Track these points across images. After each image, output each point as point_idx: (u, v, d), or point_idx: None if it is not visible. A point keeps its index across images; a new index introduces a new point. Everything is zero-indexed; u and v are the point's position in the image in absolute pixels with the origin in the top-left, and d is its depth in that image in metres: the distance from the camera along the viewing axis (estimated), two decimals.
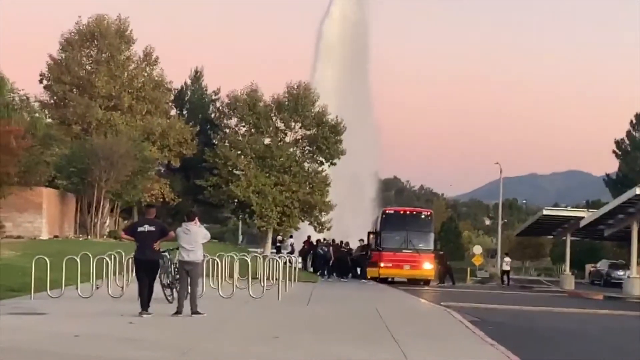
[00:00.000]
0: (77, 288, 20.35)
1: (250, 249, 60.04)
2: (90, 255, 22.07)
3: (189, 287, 16.58)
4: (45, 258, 20.54)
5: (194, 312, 16.48)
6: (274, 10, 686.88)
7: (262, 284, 22.42)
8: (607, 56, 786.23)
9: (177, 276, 17.61)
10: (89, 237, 46.62)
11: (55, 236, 45.13)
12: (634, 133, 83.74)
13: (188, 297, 16.82)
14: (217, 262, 22.44)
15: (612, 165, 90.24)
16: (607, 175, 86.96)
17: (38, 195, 43.50)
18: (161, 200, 61.09)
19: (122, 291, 20.56)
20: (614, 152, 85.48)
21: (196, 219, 17.02)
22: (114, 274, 22.29)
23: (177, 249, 17.22)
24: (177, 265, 17.32)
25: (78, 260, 20.55)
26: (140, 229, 16.70)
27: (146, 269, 16.61)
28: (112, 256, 22.46)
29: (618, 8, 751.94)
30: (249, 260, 22.38)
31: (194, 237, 16.71)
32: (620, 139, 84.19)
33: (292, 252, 44.98)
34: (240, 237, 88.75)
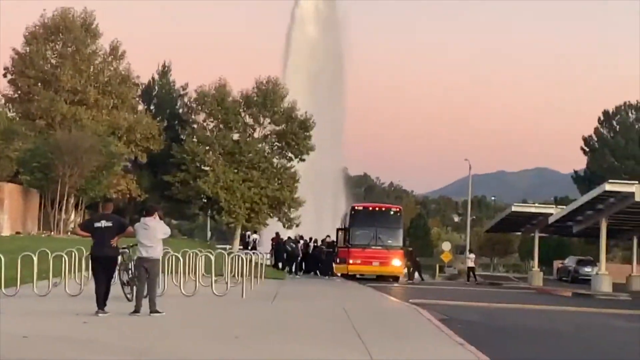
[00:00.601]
0: (33, 286, 19.72)
1: (218, 246, 59.47)
2: (49, 252, 21.41)
3: (148, 285, 15.99)
4: (0, 255, 19.87)
5: (153, 311, 15.87)
6: (244, 4, 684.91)
7: (226, 281, 21.85)
8: (575, 55, 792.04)
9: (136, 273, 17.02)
10: (53, 233, 45.81)
11: (18, 232, 44.30)
12: (601, 130, 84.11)
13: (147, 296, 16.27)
14: (180, 259, 21.82)
15: (580, 163, 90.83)
16: (575, 172, 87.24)
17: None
18: (128, 196, 60.34)
19: (81, 289, 19.86)
20: (582, 149, 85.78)
21: (156, 214, 16.41)
22: (74, 271, 21.67)
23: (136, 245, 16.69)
24: (135, 262, 16.71)
25: (35, 257, 19.89)
26: (97, 224, 16.07)
27: (103, 266, 15.97)
28: (72, 253, 21.84)
29: (584, 7, 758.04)
30: (212, 257, 21.82)
31: (153, 233, 16.08)
32: (588, 136, 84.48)
33: (254, 248, 44.49)
34: (209, 234, 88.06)
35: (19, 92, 58.69)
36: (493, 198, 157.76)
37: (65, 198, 46.92)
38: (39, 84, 57.77)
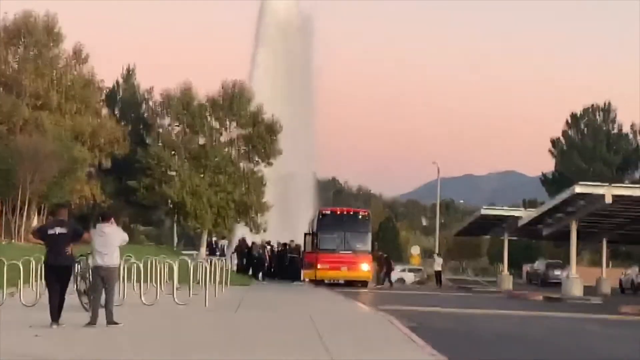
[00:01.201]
0: None
1: (184, 252, 58.66)
2: (4, 260, 20.58)
3: (105, 295, 15.24)
4: None
5: (110, 322, 15.13)
6: (210, 6, 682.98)
7: (189, 289, 21.13)
8: (541, 57, 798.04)
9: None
10: (14, 240, 44.77)
11: None
12: (569, 132, 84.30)
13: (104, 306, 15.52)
14: (139, 267, 21.02)
15: (547, 166, 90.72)
16: (544, 174, 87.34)
17: None
18: (92, 202, 59.34)
19: (37, 299, 19.05)
20: (550, 151, 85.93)
21: (112, 219, 15.67)
22: (30, 280, 20.86)
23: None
24: (91, 270, 15.91)
25: None
26: (50, 231, 15.29)
27: (58, 275, 15.18)
28: (30, 261, 21.05)
29: (553, 7, 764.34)
30: (173, 264, 21.11)
31: (110, 240, 15.32)
32: (556, 138, 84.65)
33: (222, 255, 43.83)
34: (176, 240, 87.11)
35: None
36: (461, 201, 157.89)
37: (27, 204, 45.87)
38: (0, 88, 56.68)
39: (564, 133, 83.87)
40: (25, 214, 45.63)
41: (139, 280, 21.38)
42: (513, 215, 51.63)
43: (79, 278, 17.51)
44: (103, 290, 15.23)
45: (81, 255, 17.41)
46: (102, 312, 15.39)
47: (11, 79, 56.01)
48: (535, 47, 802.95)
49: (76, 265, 17.22)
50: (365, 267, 44.91)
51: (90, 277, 16.21)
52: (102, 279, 15.28)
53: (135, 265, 20.90)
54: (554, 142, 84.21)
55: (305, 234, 48.03)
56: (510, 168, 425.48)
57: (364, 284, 45.10)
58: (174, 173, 58.12)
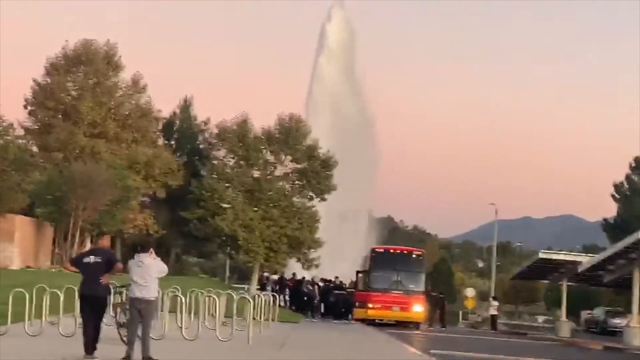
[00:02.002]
0: (25, 325, 18.32)
1: (235, 286, 58.03)
2: (47, 287, 20.02)
3: (142, 328, 14.50)
4: None
5: (145, 357, 14.38)
6: (268, 40, 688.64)
7: (232, 325, 20.31)
8: (604, 100, 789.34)
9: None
10: (65, 269, 44.47)
11: (28, 266, 43.06)
12: (633, 177, 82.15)
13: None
14: (181, 299, 20.26)
15: (607, 211, 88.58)
16: (605, 219, 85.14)
17: (10, 223, 41.58)
18: (145, 232, 59.12)
19: (75, 329, 18.38)
20: (612, 196, 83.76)
21: (151, 250, 14.96)
22: (74, 310, 20.23)
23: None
24: (128, 302, 15.17)
25: (26, 293, 18.52)
26: (85, 259, 14.64)
27: (92, 306, 14.48)
28: (75, 289, 20.42)
29: (616, 50, 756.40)
30: (216, 298, 20.34)
31: (148, 271, 14.58)
32: (619, 183, 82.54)
33: (274, 290, 43.05)
34: (228, 273, 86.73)
35: (39, 123, 57.87)
36: (519, 244, 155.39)
37: (78, 232, 45.65)
38: (59, 115, 56.95)
39: (628, 177, 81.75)
40: (77, 241, 45.41)
41: (183, 313, 20.63)
42: (573, 260, 50.12)
43: (118, 309, 16.85)
44: (139, 323, 14.52)
45: (122, 286, 16.77)
46: (138, 347, 14.70)
47: (69, 107, 56.27)
48: (599, 91, 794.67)
49: (115, 295, 16.59)
50: (418, 308, 43.78)
51: (128, 309, 15.51)
52: (139, 311, 14.56)
53: (179, 298, 20.14)
54: (617, 187, 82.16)
55: (358, 272, 47.08)
56: (568, 212, 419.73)
57: (416, 325, 43.98)
58: (227, 205, 57.71)
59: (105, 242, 15.60)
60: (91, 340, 14.59)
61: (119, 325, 17.08)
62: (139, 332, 14.72)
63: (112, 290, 15.41)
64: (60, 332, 18.63)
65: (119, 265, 14.95)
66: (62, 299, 19.51)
